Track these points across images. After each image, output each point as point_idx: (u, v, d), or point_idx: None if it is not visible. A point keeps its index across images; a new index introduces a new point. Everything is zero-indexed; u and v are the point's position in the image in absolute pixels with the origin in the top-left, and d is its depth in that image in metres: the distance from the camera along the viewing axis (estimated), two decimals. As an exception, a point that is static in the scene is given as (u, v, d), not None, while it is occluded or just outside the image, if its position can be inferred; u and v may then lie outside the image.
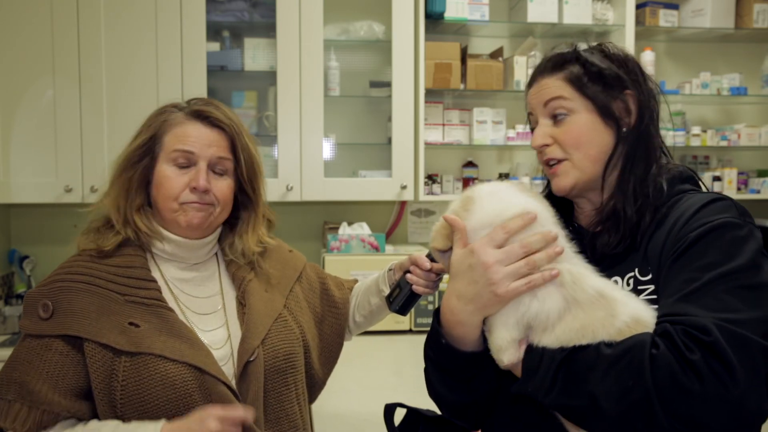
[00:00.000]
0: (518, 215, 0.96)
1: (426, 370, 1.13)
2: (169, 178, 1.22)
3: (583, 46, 1.12)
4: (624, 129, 1.07)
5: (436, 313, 1.07)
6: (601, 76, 1.07)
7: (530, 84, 1.14)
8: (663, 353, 0.83)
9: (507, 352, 0.95)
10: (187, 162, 1.23)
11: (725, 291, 0.87)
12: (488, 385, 1.03)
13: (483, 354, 1.01)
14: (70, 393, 1.12)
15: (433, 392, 1.12)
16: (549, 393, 0.90)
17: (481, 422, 1.15)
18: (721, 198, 0.99)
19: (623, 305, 0.91)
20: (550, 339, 0.92)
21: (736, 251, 0.90)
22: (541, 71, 1.12)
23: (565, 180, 1.09)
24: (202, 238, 1.28)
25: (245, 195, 1.33)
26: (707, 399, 0.80)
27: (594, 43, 1.13)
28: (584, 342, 0.90)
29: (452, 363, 1.03)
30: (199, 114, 1.26)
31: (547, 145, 1.09)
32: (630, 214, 1.03)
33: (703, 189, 1.09)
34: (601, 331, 0.89)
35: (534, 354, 0.94)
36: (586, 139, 1.06)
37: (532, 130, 1.15)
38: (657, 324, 0.90)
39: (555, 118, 1.08)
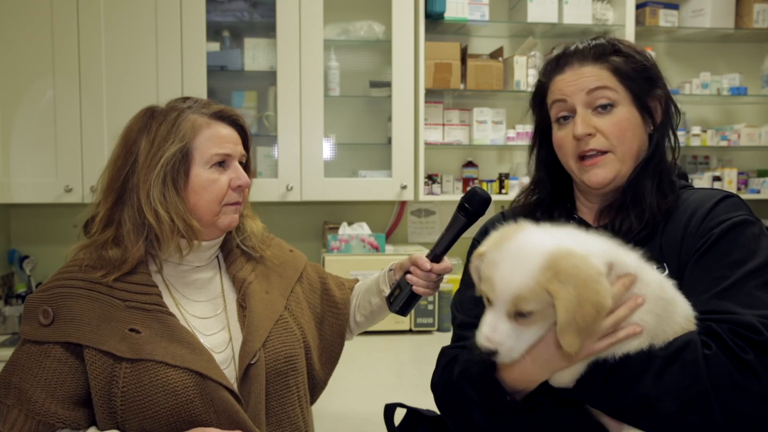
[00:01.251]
0: (621, 283, 0.88)
1: (465, 407, 1.03)
2: (214, 180, 1.22)
3: (608, 38, 1.12)
4: (653, 127, 1.09)
5: (490, 371, 0.98)
6: (644, 70, 1.07)
7: (560, 69, 1.11)
8: (716, 354, 0.86)
9: (565, 376, 0.92)
10: (223, 163, 1.24)
11: (756, 288, 0.91)
12: (530, 417, 1.00)
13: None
14: (67, 401, 1.12)
15: (474, 426, 1.03)
16: (599, 398, 0.90)
17: None
18: (730, 195, 1.02)
19: (680, 305, 0.92)
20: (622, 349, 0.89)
21: (756, 248, 0.94)
22: (580, 58, 1.09)
23: (606, 172, 1.08)
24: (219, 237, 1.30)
25: None
26: (764, 397, 0.83)
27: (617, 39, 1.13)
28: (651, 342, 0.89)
29: (514, 413, 0.97)
30: (222, 115, 1.27)
31: (591, 136, 1.07)
32: (652, 202, 1.05)
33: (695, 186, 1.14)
34: (669, 332, 0.89)
35: None
36: (630, 133, 1.07)
37: (559, 119, 1.10)
38: (699, 322, 0.92)
39: (596, 109, 1.07)
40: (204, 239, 1.26)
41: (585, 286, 0.82)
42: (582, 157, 1.09)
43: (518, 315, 0.87)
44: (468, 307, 1.15)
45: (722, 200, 1.01)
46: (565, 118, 1.10)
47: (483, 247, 0.93)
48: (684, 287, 0.97)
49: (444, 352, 1.18)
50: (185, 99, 1.28)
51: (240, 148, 1.28)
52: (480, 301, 1.02)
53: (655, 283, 0.91)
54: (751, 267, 0.92)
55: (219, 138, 1.24)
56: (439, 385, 1.14)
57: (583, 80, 1.07)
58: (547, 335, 0.90)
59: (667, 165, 1.10)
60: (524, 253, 0.87)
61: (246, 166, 1.31)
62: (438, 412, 1.32)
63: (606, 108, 1.06)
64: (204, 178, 1.22)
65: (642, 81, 1.07)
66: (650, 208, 1.05)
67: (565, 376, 0.93)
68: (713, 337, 0.88)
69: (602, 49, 1.09)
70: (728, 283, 0.92)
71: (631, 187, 1.08)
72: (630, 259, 0.91)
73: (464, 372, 1.03)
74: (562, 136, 1.11)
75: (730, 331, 0.87)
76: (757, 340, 0.85)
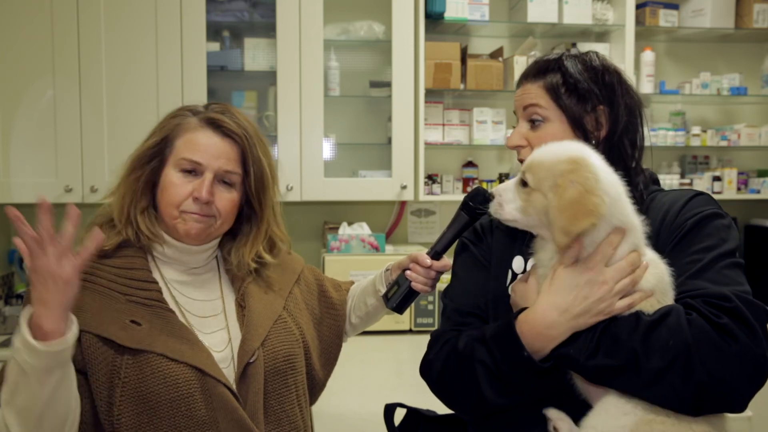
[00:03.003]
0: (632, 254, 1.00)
1: (473, 374, 1.06)
2: (174, 184, 1.21)
3: (573, 51, 1.18)
4: (593, 141, 1.13)
5: (509, 326, 1.03)
6: (576, 89, 1.13)
7: (518, 85, 1.21)
8: (696, 318, 0.94)
9: None
10: (193, 170, 1.22)
11: (725, 267, 1.01)
12: (533, 387, 1.04)
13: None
14: None
15: (477, 395, 1.07)
16: (592, 355, 0.96)
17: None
18: (700, 193, 1.12)
19: (670, 292, 1.02)
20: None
21: (726, 236, 1.04)
22: (526, 75, 1.19)
23: None
24: (200, 245, 1.28)
25: (251, 208, 1.32)
26: (740, 356, 0.91)
27: (582, 51, 1.19)
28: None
29: (519, 373, 1.02)
30: (212, 122, 1.24)
31: (522, 147, 1.17)
32: None
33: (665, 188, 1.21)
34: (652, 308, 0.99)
35: None
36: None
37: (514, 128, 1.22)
38: (676, 301, 1.00)
39: (532, 123, 1.16)
40: (189, 244, 1.26)
41: (586, 196, 0.94)
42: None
43: (522, 183, 1.02)
44: (459, 296, 1.24)
45: (694, 197, 1.10)
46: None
47: None
48: None
49: (439, 334, 1.21)
50: (209, 104, 1.30)
51: (222, 163, 1.22)
52: (471, 292, 1.21)
53: (654, 260, 1.03)
54: (721, 251, 1.02)
55: (194, 144, 1.22)
56: (436, 361, 1.15)
57: (523, 96, 1.17)
58: (556, 276, 1.00)
59: (626, 170, 1.12)
60: (566, 145, 1.03)
61: (246, 180, 1.27)
62: (438, 413, 1.32)
63: (536, 123, 1.15)
64: (167, 179, 1.23)
65: (577, 98, 1.13)
66: None
67: None
68: (690, 309, 0.96)
69: (545, 66, 1.16)
70: (700, 266, 1.01)
71: None
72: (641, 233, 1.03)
73: (475, 337, 1.08)
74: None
75: (704, 302, 0.96)
76: (728, 306, 0.94)
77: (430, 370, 1.17)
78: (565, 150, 1.01)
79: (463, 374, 1.08)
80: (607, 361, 0.95)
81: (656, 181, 1.22)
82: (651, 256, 1.03)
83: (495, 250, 1.23)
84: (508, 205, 1.04)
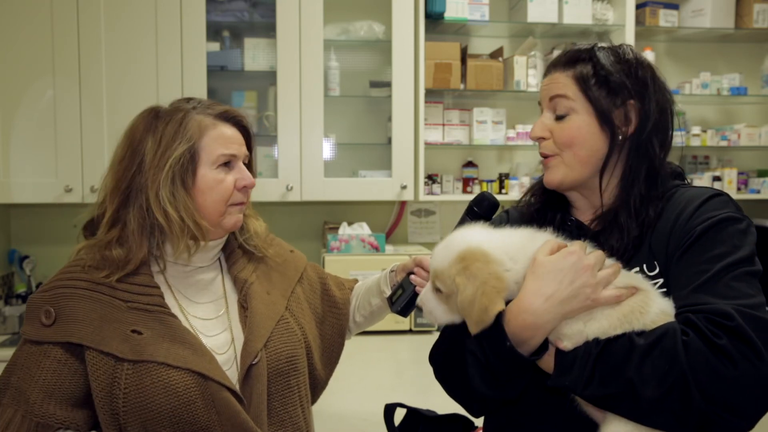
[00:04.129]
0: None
1: (464, 364, 1.05)
2: (220, 180, 1.22)
3: (603, 43, 1.13)
4: (620, 137, 1.09)
5: (499, 315, 0.99)
6: (607, 81, 1.08)
7: (545, 74, 1.16)
8: (693, 339, 0.88)
9: (572, 340, 0.97)
10: (229, 164, 1.25)
11: (734, 279, 0.93)
12: (524, 382, 1.02)
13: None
14: (65, 402, 1.12)
15: (467, 386, 1.05)
16: (588, 385, 0.92)
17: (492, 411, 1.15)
18: (719, 193, 1.05)
19: (653, 298, 0.97)
20: (593, 328, 0.96)
21: (739, 242, 0.97)
22: (555, 64, 1.14)
23: (553, 174, 1.14)
24: (223, 237, 1.30)
25: None
26: (740, 381, 0.86)
27: (614, 44, 1.14)
28: (620, 331, 0.94)
29: (507, 365, 0.98)
30: (227, 115, 1.27)
31: (544, 138, 1.12)
32: (632, 228, 1.06)
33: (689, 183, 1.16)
34: (636, 323, 0.94)
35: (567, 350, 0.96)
36: (579, 140, 1.09)
37: None
38: (677, 315, 0.94)
39: (558, 115, 1.11)
40: (210, 239, 1.26)
41: (483, 290, 0.95)
42: (545, 157, 1.15)
43: (436, 289, 1.03)
44: None
45: (710, 198, 1.04)
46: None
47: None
48: (668, 283, 1.01)
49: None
50: (188, 99, 1.28)
51: (244, 149, 1.28)
52: None
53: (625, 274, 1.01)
54: (731, 260, 0.95)
55: (224, 139, 1.24)
56: (438, 349, 1.15)
57: (550, 86, 1.12)
58: (537, 264, 0.97)
59: (654, 174, 1.10)
60: (452, 243, 1.03)
61: (249, 166, 1.31)
62: (438, 413, 1.32)
63: (562, 115, 1.10)
64: (210, 178, 1.22)
65: (607, 91, 1.08)
66: (628, 234, 1.07)
67: (570, 338, 0.97)
68: (689, 326, 0.91)
69: (576, 56, 1.11)
70: (707, 277, 0.95)
71: (614, 208, 1.10)
72: None
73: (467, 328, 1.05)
74: None
75: (705, 319, 0.90)
76: (729, 325, 0.88)
77: (434, 360, 1.16)
78: (455, 247, 1.01)
79: (456, 364, 1.06)
80: (604, 391, 0.92)
81: (680, 175, 1.17)
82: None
83: None
84: (437, 312, 1.04)
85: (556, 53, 2.84)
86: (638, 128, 1.09)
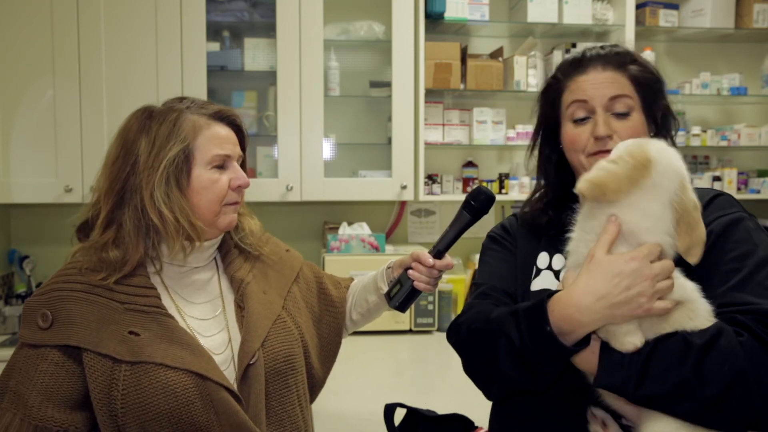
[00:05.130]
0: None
1: (495, 345, 1.03)
2: (215, 180, 1.22)
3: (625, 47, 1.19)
4: (651, 134, 1.15)
5: (541, 301, 0.99)
6: (655, 82, 1.16)
7: (583, 70, 1.15)
8: (748, 340, 0.89)
9: (635, 336, 0.94)
10: (223, 164, 1.24)
11: (767, 278, 0.96)
12: (557, 373, 1.01)
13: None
14: (64, 405, 1.11)
15: (493, 367, 1.04)
16: (640, 385, 0.91)
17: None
18: (721, 193, 1.09)
19: (701, 302, 0.96)
20: (645, 327, 0.95)
21: (758, 241, 1.01)
22: (603, 63, 1.15)
23: None
24: (218, 237, 1.30)
25: None
26: None
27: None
28: (670, 330, 0.94)
29: (542, 351, 0.97)
30: (221, 115, 1.27)
31: (610, 138, 1.11)
32: None
33: None
34: (688, 324, 0.94)
35: (615, 349, 0.95)
36: (643, 136, 1.12)
37: (576, 119, 1.15)
38: (719, 315, 0.95)
39: (614, 113, 1.12)
40: (205, 239, 1.26)
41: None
42: (594, 154, 1.14)
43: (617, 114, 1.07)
44: (493, 279, 1.21)
45: (715, 198, 1.07)
46: (583, 118, 1.14)
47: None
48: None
49: (473, 303, 1.17)
50: (182, 99, 1.28)
51: (238, 149, 1.28)
52: (504, 277, 1.19)
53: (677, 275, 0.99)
54: (758, 259, 0.98)
55: (219, 139, 1.24)
56: (464, 325, 1.12)
57: (607, 85, 1.13)
58: (596, 261, 0.95)
59: None
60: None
61: (242, 165, 1.31)
62: (438, 413, 1.32)
63: (624, 115, 1.12)
64: (205, 178, 1.22)
65: (652, 91, 1.15)
66: None
67: (632, 335, 0.94)
68: (741, 327, 0.92)
69: (623, 58, 1.15)
70: (741, 277, 0.96)
71: None
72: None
73: (508, 310, 1.04)
74: (577, 133, 1.14)
75: (754, 320, 0.91)
76: None
77: (456, 334, 1.14)
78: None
79: (485, 343, 1.05)
80: (657, 390, 0.91)
81: None
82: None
83: (520, 247, 1.23)
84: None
85: (557, 53, 2.85)
86: (662, 125, 1.17)
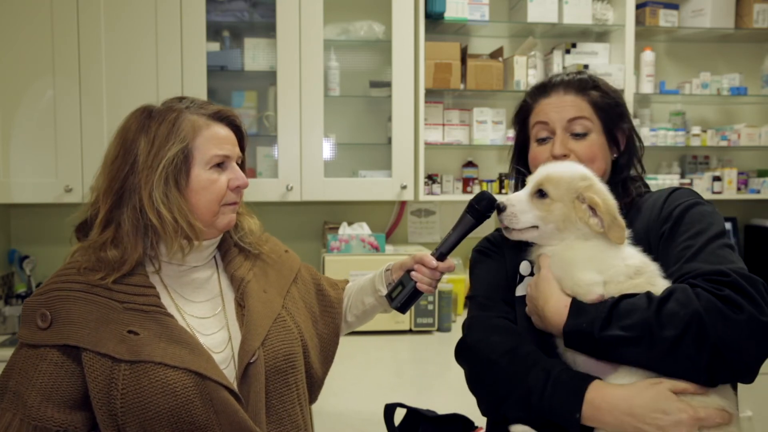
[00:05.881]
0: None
1: (510, 389, 1.08)
2: (214, 180, 1.23)
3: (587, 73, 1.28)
4: (615, 155, 1.25)
5: (581, 385, 1.03)
6: (615, 106, 1.23)
7: (546, 94, 1.25)
8: (702, 291, 0.97)
9: (599, 286, 1.05)
10: (222, 164, 1.25)
11: (718, 248, 1.05)
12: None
13: None
14: (63, 405, 1.11)
15: (498, 400, 1.10)
16: (605, 327, 0.99)
17: None
18: (679, 187, 1.20)
19: (658, 276, 1.07)
20: (611, 291, 1.05)
21: (712, 221, 1.10)
22: (565, 87, 1.23)
23: None
24: (217, 237, 1.30)
25: None
26: (746, 325, 0.94)
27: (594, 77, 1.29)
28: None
29: (556, 417, 1.03)
30: (220, 115, 1.27)
31: (566, 156, 1.20)
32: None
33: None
34: (650, 290, 1.03)
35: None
36: (599, 156, 1.21)
37: (539, 139, 1.24)
38: (677, 283, 1.02)
39: (572, 134, 1.21)
40: (203, 239, 1.26)
41: (609, 200, 1.10)
42: None
43: (539, 193, 1.11)
44: (486, 288, 1.26)
45: (675, 191, 1.18)
46: (544, 139, 1.24)
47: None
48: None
49: (478, 319, 1.22)
50: (181, 99, 1.28)
51: (237, 149, 1.29)
52: (497, 285, 1.25)
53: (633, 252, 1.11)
54: (711, 234, 1.07)
55: (218, 139, 1.24)
56: (483, 352, 1.15)
57: (567, 108, 1.22)
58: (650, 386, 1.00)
59: (626, 183, 1.25)
60: (569, 164, 1.15)
61: (242, 165, 1.31)
62: (438, 413, 1.33)
63: (581, 135, 1.21)
64: (204, 178, 1.22)
65: (612, 115, 1.23)
66: None
67: (596, 285, 1.06)
68: (692, 287, 0.99)
69: (585, 84, 1.23)
70: (694, 250, 1.05)
71: None
72: None
73: (539, 362, 1.08)
74: (539, 152, 1.24)
75: (703, 279, 0.99)
76: (726, 280, 0.98)
77: (472, 361, 1.17)
78: (574, 168, 1.13)
79: (502, 382, 1.09)
80: (620, 333, 0.97)
81: (646, 185, 1.28)
82: (627, 249, 1.09)
83: (507, 257, 1.27)
84: (524, 215, 1.12)
85: (557, 53, 2.86)
86: (627, 144, 1.26)
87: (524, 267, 1.22)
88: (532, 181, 1.14)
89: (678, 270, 1.05)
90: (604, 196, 1.10)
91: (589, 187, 1.10)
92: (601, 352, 1.01)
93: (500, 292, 1.24)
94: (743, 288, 0.96)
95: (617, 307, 1.00)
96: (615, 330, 0.98)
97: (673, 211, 1.12)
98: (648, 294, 1.00)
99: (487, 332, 1.17)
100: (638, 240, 1.12)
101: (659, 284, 1.04)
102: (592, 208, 1.08)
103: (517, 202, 1.12)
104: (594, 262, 1.07)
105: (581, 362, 1.07)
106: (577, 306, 1.03)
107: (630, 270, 1.06)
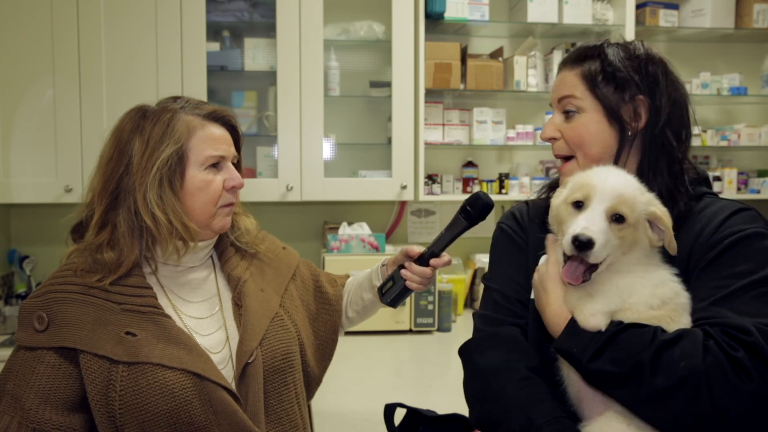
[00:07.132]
0: None
1: (508, 415, 1.02)
2: (210, 181, 1.22)
3: (614, 39, 1.12)
4: (629, 132, 1.07)
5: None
6: (614, 77, 1.07)
7: (559, 70, 1.16)
8: (713, 346, 0.87)
9: (599, 319, 0.95)
10: (217, 165, 1.24)
11: (755, 297, 0.92)
12: None
13: None
14: (62, 407, 1.11)
15: (496, 418, 1.05)
16: (594, 358, 0.92)
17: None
18: (747, 208, 1.02)
19: (686, 313, 0.97)
20: (628, 318, 0.95)
21: (765, 260, 0.94)
22: (564, 62, 1.14)
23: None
24: (213, 238, 1.30)
25: None
26: (751, 397, 0.85)
27: (626, 40, 1.14)
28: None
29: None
30: (215, 116, 1.26)
31: (555, 139, 1.11)
32: None
33: (715, 191, 1.14)
34: (668, 325, 0.94)
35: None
36: (589, 138, 1.08)
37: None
38: (694, 326, 0.94)
39: (567, 114, 1.11)
40: (199, 240, 1.25)
41: (666, 210, 0.99)
42: (562, 159, 1.14)
43: (615, 217, 0.96)
44: (503, 281, 1.17)
45: (737, 212, 1.01)
46: None
47: (567, 183, 1.04)
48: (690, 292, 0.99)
49: (488, 318, 1.15)
50: (176, 99, 1.27)
51: (232, 149, 1.28)
52: (514, 279, 1.14)
53: (666, 277, 1.00)
54: (755, 278, 0.93)
55: (213, 139, 1.23)
56: (489, 370, 1.08)
57: (559, 87, 1.12)
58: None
59: (676, 168, 1.08)
60: (624, 174, 1.00)
61: (237, 166, 1.31)
62: (438, 413, 1.32)
63: (570, 114, 1.10)
64: (199, 179, 1.21)
65: (614, 87, 1.07)
66: None
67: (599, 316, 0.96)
68: (707, 337, 0.90)
69: (584, 53, 1.11)
70: (727, 292, 0.93)
71: None
72: None
73: (550, 404, 1.00)
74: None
75: (722, 332, 0.89)
76: (747, 340, 0.87)
77: (477, 378, 1.10)
78: (628, 181, 1.00)
79: (501, 406, 1.02)
80: (609, 368, 0.91)
81: (706, 180, 1.14)
82: (663, 274, 0.99)
83: (531, 243, 1.18)
84: (603, 250, 0.95)
85: (557, 53, 2.85)
86: (649, 123, 1.07)
87: (543, 261, 1.14)
88: (601, 197, 0.96)
89: (702, 310, 0.94)
90: (663, 207, 0.98)
91: (650, 201, 0.99)
92: (588, 381, 0.96)
93: (517, 291, 1.15)
94: (763, 353, 0.85)
95: (616, 337, 0.92)
96: (604, 364, 0.91)
97: (725, 238, 0.97)
98: (656, 331, 0.91)
99: (492, 347, 1.10)
100: (677, 258, 1.00)
101: (682, 322, 0.95)
102: (649, 221, 0.97)
103: (601, 234, 0.94)
104: (618, 287, 0.97)
105: (575, 380, 1.02)
106: (573, 326, 0.96)
107: (654, 300, 0.95)
